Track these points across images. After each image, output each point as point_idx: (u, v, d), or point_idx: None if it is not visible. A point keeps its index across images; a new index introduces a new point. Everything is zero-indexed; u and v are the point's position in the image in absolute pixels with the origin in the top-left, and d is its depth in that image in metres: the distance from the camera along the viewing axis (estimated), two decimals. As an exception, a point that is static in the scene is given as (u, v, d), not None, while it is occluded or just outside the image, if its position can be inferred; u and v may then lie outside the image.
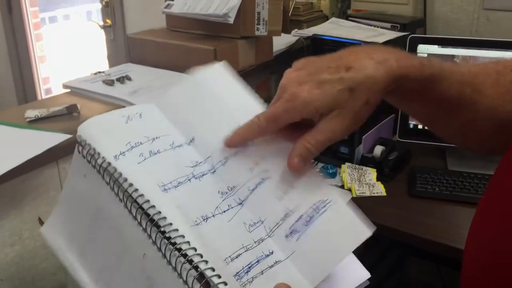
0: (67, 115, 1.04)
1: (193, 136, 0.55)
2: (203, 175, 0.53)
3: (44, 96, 3.09)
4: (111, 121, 0.55)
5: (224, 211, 0.51)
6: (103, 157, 0.51)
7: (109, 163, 0.51)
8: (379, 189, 1.32)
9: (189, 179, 0.52)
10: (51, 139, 0.92)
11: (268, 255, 0.49)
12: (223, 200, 0.51)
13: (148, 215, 0.48)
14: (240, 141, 0.53)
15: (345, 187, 1.33)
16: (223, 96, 0.58)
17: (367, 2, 1.79)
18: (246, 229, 0.50)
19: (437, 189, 1.30)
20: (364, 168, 1.40)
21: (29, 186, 0.97)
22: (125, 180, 0.50)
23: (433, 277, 1.82)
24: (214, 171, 0.53)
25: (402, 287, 1.89)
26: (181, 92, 0.60)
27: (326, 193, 0.51)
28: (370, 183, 1.34)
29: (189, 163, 0.53)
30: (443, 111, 0.57)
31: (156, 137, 0.54)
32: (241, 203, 0.51)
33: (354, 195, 1.29)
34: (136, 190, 0.49)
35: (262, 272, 0.48)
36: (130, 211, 0.49)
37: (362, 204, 1.34)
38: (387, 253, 1.71)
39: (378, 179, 1.36)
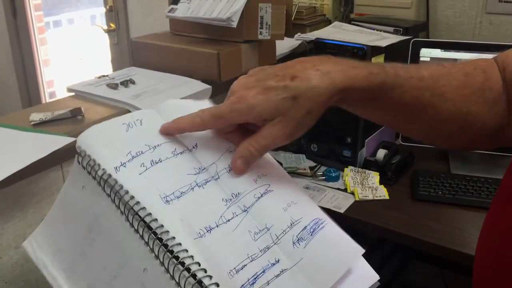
0: (72, 119, 1.05)
1: (196, 143, 0.55)
2: (206, 182, 0.52)
3: (48, 100, 3.10)
4: (111, 130, 0.54)
5: (229, 220, 0.50)
6: (103, 169, 0.50)
7: (110, 175, 0.50)
8: (382, 193, 1.32)
9: (192, 188, 0.51)
10: (55, 142, 0.93)
11: (274, 264, 0.48)
12: (227, 208, 0.51)
13: (150, 228, 0.47)
14: (177, 131, 0.54)
15: (348, 191, 1.33)
16: None
17: (370, 6, 1.79)
18: (251, 237, 0.49)
19: (440, 192, 1.30)
20: (367, 171, 1.40)
21: (34, 189, 0.97)
22: (126, 192, 0.49)
23: (436, 281, 1.82)
24: (218, 177, 0.53)
25: (405, 291, 1.89)
26: (182, 101, 0.60)
27: (321, 213, 0.53)
28: (373, 186, 1.34)
29: (192, 170, 0.53)
30: (401, 116, 0.57)
31: (158, 145, 0.53)
32: (246, 210, 0.51)
33: (357, 199, 1.30)
34: (138, 203, 0.48)
35: (268, 283, 0.47)
36: (131, 224, 0.48)
37: (365, 207, 1.35)
38: (390, 256, 1.71)
39: (381, 182, 1.36)
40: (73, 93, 1.21)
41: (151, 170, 0.51)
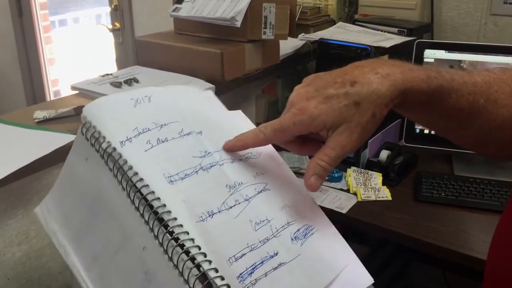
0: (75, 116, 1.05)
1: (201, 130, 0.54)
2: (211, 166, 0.52)
3: (53, 98, 3.11)
4: (119, 103, 0.53)
5: (231, 207, 0.50)
6: (108, 142, 0.49)
7: (114, 149, 0.49)
8: (385, 194, 1.32)
9: (196, 171, 0.51)
10: (59, 139, 0.93)
11: (272, 256, 0.48)
12: (230, 195, 0.50)
13: (151, 207, 0.46)
14: (242, 147, 0.54)
15: (351, 191, 1.33)
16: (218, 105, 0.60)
17: (374, 7, 1.79)
18: (252, 227, 0.49)
19: (443, 194, 1.30)
20: (370, 172, 1.40)
21: (37, 186, 0.98)
22: (130, 168, 0.48)
23: (438, 283, 1.81)
24: (222, 164, 0.52)
25: (407, 293, 1.89)
26: (193, 88, 0.60)
27: (312, 220, 0.53)
28: (375, 187, 1.34)
29: (197, 153, 0.52)
30: (455, 122, 0.56)
31: (165, 124, 0.52)
32: (248, 199, 0.51)
33: (360, 199, 1.29)
34: (141, 179, 0.47)
35: (265, 274, 0.47)
36: (132, 201, 0.47)
37: (368, 208, 1.35)
38: (392, 258, 1.71)
39: (383, 183, 1.36)
40: (77, 91, 1.22)
41: (157, 148, 0.50)
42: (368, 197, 1.30)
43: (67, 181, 0.55)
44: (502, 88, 0.56)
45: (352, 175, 1.38)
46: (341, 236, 0.54)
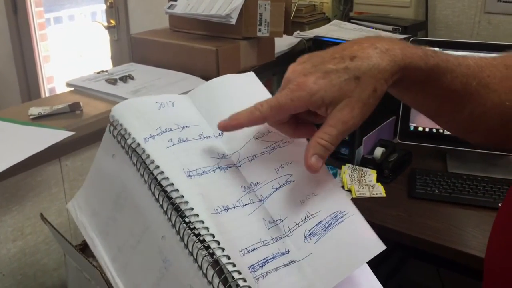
0: (70, 113, 1.05)
1: (222, 132, 0.56)
2: (228, 168, 0.53)
3: (48, 95, 3.10)
4: (145, 105, 0.56)
5: (245, 205, 0.51)
6: (133, 138, 0.52)
7: (138, 144, 0.52)
8: (379, 191, 1.32)
9: (213, 170, 0.52)
10: (54, 136, 0.93)
11: (284, 253, 0.49)
12: (245, 194, 0.52)
13: (170, 198, 0.49)
14: (237, 126, 0.52)
15: (345, 188, 1.34)
16: (252, 98, 0.59)
17: (369, 5, 1.80)
18: (265, 225, 0.50)
19: (436, 191, 1.31)
20: (364, 169, 1.41)
21: (32, 183, 0.98)
22: (152, 162, 0.51)
23: (432, 279, 1.82)
24: (240, 165, 0.54)
25: (401, 289, 1.90)
26: (214, 87, 0.61)
27: (344, 205, 0.52)
28: (370, 184, 1.35)
29: (216, 155, 0.54)
30: (448, 104, 0.56)
31: (186, 126, 0.55)
32: (263, 200, 0.52)
33: (354, 196, 1.30)
34: (162, 172, 0.50)
35: (276, 269, 0.48)
36: (153, 193, 0.50)
37: (362, 205, 1.35)
38: (386, 254, 1.72)
39: (378, 180, 1.37)
40: (72, 88, 1.22)
41: (178, 146, 0.53)
42: (362, 194, 1.31)
43: (95, 177, 0.59)
44: (494, 73, 0.55)
45: (347, 172, 1.39)
46: (370, 226, 0.52)
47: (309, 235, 0.50)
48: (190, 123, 0.56)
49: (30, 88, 3.04)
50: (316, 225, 0.50)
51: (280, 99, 0.49)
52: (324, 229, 0.50)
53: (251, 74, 0.61)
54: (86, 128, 1.01)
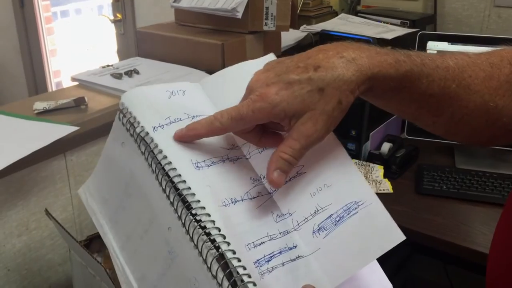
0: (75, 108, 1.05)
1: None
2: (237, 159, 0.52)
3: (54, 89, 3.11)
4: (155, 93, 0.55)
5: (254, 197, 0.50)
6: (142, 127, 0.51)
7: (147, 133, 0.51)
8: (386, 186, 1.31)
9: (223, 161, 0.52)
10: (58, 131, 0.93)
11: (291, 248, 0.48)
12: (254, 187, 0.51)
13: (177, 189, 0.48)
14: (194, 137, 0.50)
15: (352, 184, 1.33)
16: None
17: (377, -2, 1.78)
18: (273, 218, 0.50)
19: (444, 187, 1.30)
20: (371, 165, 1.39)
21: (36, 178, 0.97)
22: (160, 151, 0.50)
23: (439, 275, 1.81)
24: (250, 157, 0.53)
25: (408, 286, 1.89)
26: (227, 76, 0.60)
27: (361, 194, 0.50)
28: (377, 180, 1.33)
29: (226, 145, 0.53)
30: (426, 108, 0.54)
31: (196, 116, 0.54)
32: (271, 193, 0.51)
33: (361, 192, 1.29)
34: (170, 163, 0.49)
35: (283, 264, 0.47)
36: (160, 183, 0.49)
37: (368, 200, 1.33)
38: (393, 250, 1.71)
39: (385, 176, 1.36)
40: (77, 83, 1.21)
41: None
42: (369, 189, 1.30)
43: (105, 164, 0.58)
44: (476, 72, 0.53)
45: (354, 168, 1.38)
46: (389, 214, 0.50)
47: (318, 229, 0.49)
48: (201, 113, 0.54)
49: (37, 82, 3.04)
50: (326, 219, 0.49)
51: (241, 110, 0.47)
52: (334, 223, 0.49)
53: (271, 56, 0.58)
54: (91, 123, 1.01)
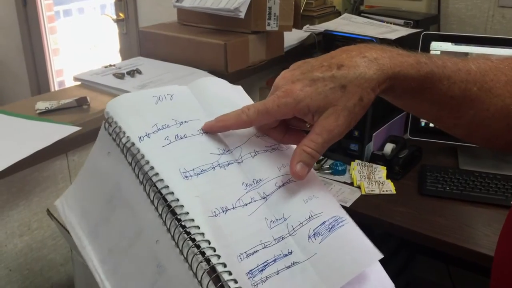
0: (77, 108, 1.05)
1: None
2: (228, 164, 0.51)
3: (57, 89, 3.11)
4: (141, 100, 0.54)
5: (246, 204, 0.49)
6: (127, 137, 0.50)
7: (133, 143, 0.50)
8: (389, 187, 1.31)
9: (213, 167, 0.51)
10: (60, 131, 0.93)
11: (286, 255, 0.47)
12: (246, 192, 0.50)
13: (165, 200, 0.47)
14: (223, 128, 0.52)
15: (355, 185, 1.32)
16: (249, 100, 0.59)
17: (380, -2, 1.77)
18: (267, 224, 0.49)
19: (447, 188, 1.29)
20: (374, 165, 1.39)
21: (38, 178, 0.97)
22: (147, 162, 0.49)
23: (442, 277, 1.81)
24: (242, 161, 0.52)
25: (410, 287, 1.88)
26: (216, 81, 0.60)
27: (342, 212, 0.52)
28: (379, 180, 1.33)
29: (216, 151, 0.52)
30: (447, 110, 0.55)
31: (185, 121, 0.53)
32: (265, 197, 0.50)
33: (363, 193, 1.29)
34: (157, 174, 0.48)
35: (277, 272, 0.46)
36: (148, 195, 0.48)
37: (371, 202, 1.34)
38: (395, 252, 1.70)
39: (388, 177, 1.35)
40: (79, 82, 1.21)
41: (175, 144, 0.51)
42: (372, 190, 1.29)
43: (88, 175, 0.56)
44: (498, 77, 0.54)
45: (356, 168, 1.37)
46: (364, 235, 0.52)
47: (314, 234, 0.48)
48: (189, 118, 0.54)
49: (39, 81, 3.05)
50: (320, 225, 0.49)
51: (267, 105, 0.50)
52: (328, 230, 0.49)
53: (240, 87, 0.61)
54: (93, 123, 1.01)
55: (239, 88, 0.60)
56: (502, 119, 0.54)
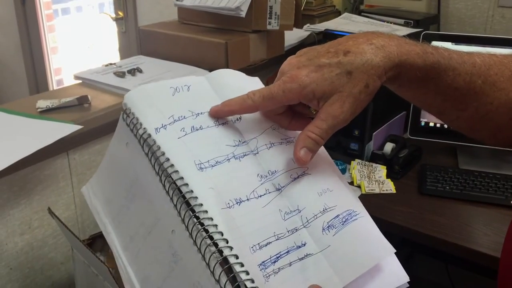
0: (78, 106, 1.05)
1: (240, 116, 0.54)
2: (244, 155, 0.52)
3: (55, 87, 3.10)
4: (158, 91, 0.54)
5: (260, 196, 0.49)
6: (144, 128, 0.51)
7: (149, 135, 0.50)
8: (389, 187, 1.31)
9: (228, 159, 0.51)
10: (62, 129, 0.92)
11: (300, 247, 0.47)
12: (261, 184, 0.50)
13: (180, 191, 0.47)
14: (229, 113, 0.52)
15: (355, 184, 1.33)
16: None
17: (380, -2, 1.78)
18: (281, 216, 0.49)
19: (447, 187, 1.29)
20: (374, 165, 1.39)
21: (39, 176, 0.97)
22: (163, 154, 0.49)
23: (441, 276, 1.81)
24: (257, 152, 0.52)
25: (410, 286, 1.88)
26: (232, 72, 0.60)
27: (356, 205, 0.51)
28: (379, 180, 1.33)
29: (231, 142, 0.52)
30: (451, 101, 0.55)
31: (201, 113, 0.53)
32: (280, 189, 0.50)
33: (364, 192, 1.29)
34: (172, 165, 0.48)
35: (290, 264, 0.46)
36: (164, 186, 0.48)
37: (371, 201, 1.34)
38: (395, 251, 1.70)
39: (388, 176, 1.35)
40: (80, 81, 1.21)
41: (190, 136, 0.51)
42: (372, 190, 1.29)
43: (110, 164, 0.57)
44: (502, 71, 0.54)
45: (356, 168, 1.37)
46: (379, 230, 0.52)
47: (328, 227, 0.48)
48: (206, 109, 0.54)
49: (38, 79, 3.04)
50: (334, 218, 0.49)
51: (272, 90, 0.49)
52: (342, 223, 0.49)
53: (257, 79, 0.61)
54: (94, 122, 1.01)
55: (257, 79, 0.60)
56: (506, 113, 0.55)
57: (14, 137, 0.92)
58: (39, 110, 1.01)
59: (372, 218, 0.53)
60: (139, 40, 1.42)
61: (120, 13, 2.54)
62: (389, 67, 0.48)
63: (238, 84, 0.57)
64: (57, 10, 3.95)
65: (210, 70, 1.24)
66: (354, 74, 0.47)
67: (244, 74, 0.60)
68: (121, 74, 1.18)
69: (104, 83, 1.16)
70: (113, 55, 2.79)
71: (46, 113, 1.01)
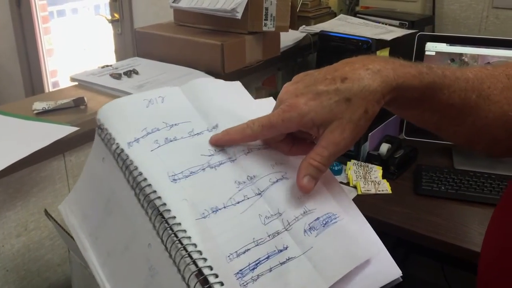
0: (74, 108, 1.05)
1: (216, 123, 0.54)
2: (220, 164, 0.51)
3: (51, 89, 3.10)
4: (131, 104, 0.54)
5: (238, 202, 0.49)
6: (117, 143, 0.51)
7: (122, 150, 0.50)
8: (385, 187, 1.31)
9: (203, 169, 0.50)
10: (58, 131, 0.92)
11: (281, 251, 0.47)
12: (239, 190, 0.50)
13: (154, 205, 0.47)
14: (228, 142, 0.53)
15: (351, 184, 1.33)
16: (246, 96, 0.60)
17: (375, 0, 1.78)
18: (261, 221, 0.48)
19: (443, 187, 1.30)
20: (370, 165, 1.40)
21: (36, 178, 0.97)
22: (136, 168, 0.49)
23: (436, 276, 1.82)
24: (235, 159, 0.52)
25: (405, 286, 1.89)
26: (209, 80, 0.60)
27: (337, 209, 0.51)
28: (375, 180, 1.34)
29: (207, 152, 0.52)
30: (448, 118, 0.56)
31: (175, 124, 0.53)
32: (260, 193, 0.50)
33: (360, 193, 1.29)
34: (145, 179, 0.48)
35: (270, 269, 0.46)
36: (139, 200, 0.49)
37: (367, 201, 1.35)
38: (391, 251, 1.71)
39: (383, 176, 1.36)
40: (76, 83, 1.21)
41: (164, 147, 0.51)
42: (368, 190, 1.30)
43: (87, 180, 0.57)
44: (494, 84, 0.55)
45: (352, 168, 1.38)
46: (369, 225, 0.52)
47: (309, 229, 0.48)
48: (180, 120, 0.54)
49: (34, 81, 3.03)
50: (314, 220, 0.49)
51: (271, 119, 0.50)
52: (322, 225, 0.49)
53: (270, 99, 0.61)
54: (91, 124, 1.01)
55: (237, 84, 0.60)
56: (501, 126, 0.55)
57: (10, 139, 0.92)
58: (35, 112, 1.01)
59: (368, 218, 0.53)
60: (135, 41, 1.43)
61: (116, 15, 2.54)
62: (387, 91, 0.49)
63: (214, 92, 0.58)
64: (52, 12, 3.95)
65: (207, 72, 1.25)
66: (353, 101, 0.48)
67: (222, 81, 0.60)
68: (117, 76, 1.19)
69: (100, 84, 1.16)
70: (109, 57, 2.78)
71: (42, 115, 1.01)
